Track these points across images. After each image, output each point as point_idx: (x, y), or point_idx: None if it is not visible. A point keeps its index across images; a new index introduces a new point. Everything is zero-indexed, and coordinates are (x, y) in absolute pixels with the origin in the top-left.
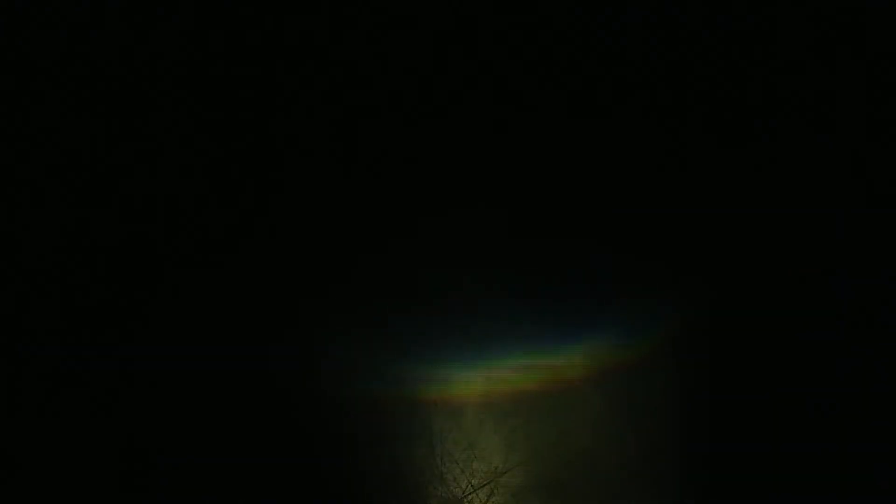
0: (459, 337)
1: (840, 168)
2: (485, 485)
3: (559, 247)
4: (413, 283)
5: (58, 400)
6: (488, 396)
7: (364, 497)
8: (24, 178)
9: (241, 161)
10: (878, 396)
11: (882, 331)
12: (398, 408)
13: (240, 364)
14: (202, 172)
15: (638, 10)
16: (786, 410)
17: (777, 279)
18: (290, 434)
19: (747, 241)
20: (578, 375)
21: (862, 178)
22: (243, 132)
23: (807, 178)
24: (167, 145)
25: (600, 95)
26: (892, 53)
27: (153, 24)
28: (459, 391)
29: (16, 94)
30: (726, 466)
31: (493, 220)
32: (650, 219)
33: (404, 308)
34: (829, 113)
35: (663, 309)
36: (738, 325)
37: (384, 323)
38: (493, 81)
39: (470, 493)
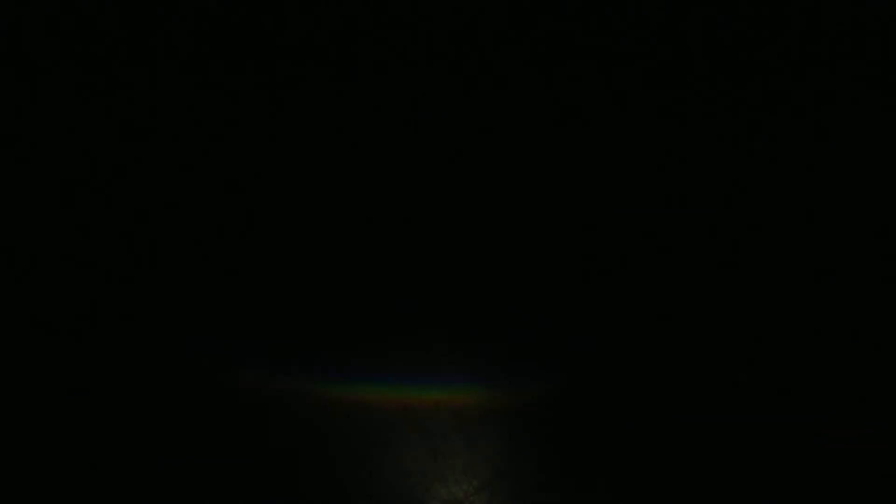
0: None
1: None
2: (485, 487)
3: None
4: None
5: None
6: (490, 400)
7: (365, 498)
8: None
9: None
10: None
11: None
12: (398, 409)
13: (242, 365)
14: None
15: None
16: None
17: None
18: (293, 437)
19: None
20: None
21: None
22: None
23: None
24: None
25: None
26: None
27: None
28: (461, 392)
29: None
30: None
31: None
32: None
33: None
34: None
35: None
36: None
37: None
38: None
39: (472, 495)
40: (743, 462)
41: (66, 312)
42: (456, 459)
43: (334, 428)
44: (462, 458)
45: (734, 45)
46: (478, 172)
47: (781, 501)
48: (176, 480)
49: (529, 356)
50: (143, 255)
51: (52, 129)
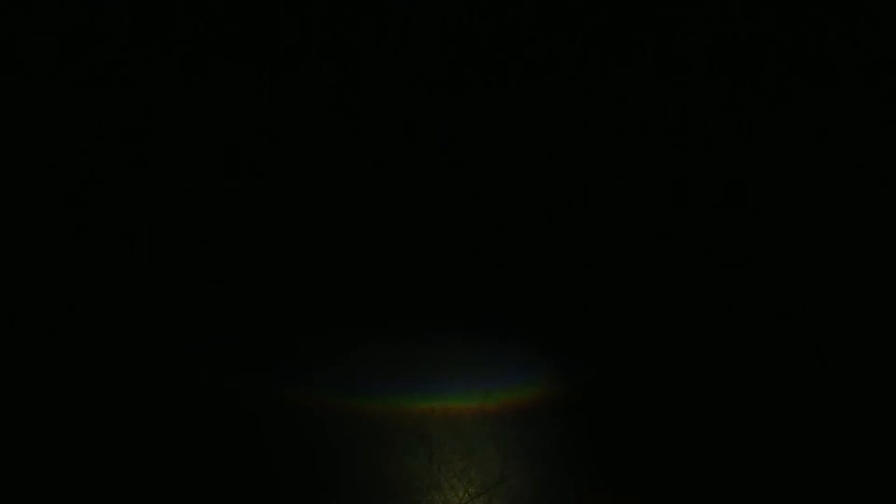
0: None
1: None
2: (482, 493)
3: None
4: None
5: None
6: (486, 406)
7: None
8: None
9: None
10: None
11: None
12: (396, 417)
13: (239, 372)
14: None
15: None
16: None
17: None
18: (290, 443)
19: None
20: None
21: None
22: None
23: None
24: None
25: None
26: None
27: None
28: (458, 400)
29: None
30: None
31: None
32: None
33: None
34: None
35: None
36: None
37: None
38: None
39: (469, 501)
40: (741, 465)
41: (62, 315)
42: (453, 466)
43: (331, 434)
44: (459, 465)
45: (734, 44)
46: (475, 177)
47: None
48: (173, 483)
49: (527, 365)
50: (141, 261)
51: (49, 129)
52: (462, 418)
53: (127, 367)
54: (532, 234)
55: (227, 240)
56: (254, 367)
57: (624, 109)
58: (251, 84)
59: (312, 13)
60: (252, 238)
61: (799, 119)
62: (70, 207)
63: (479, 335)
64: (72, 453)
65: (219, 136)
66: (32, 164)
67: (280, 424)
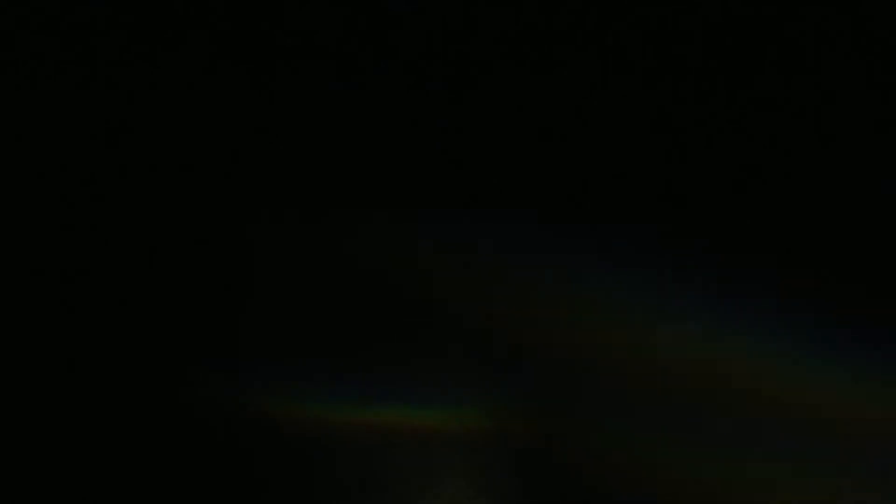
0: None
1: None
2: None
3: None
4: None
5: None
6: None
7: None
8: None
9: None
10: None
11: None
12: (383, 430)
13: (227, 385)
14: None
15: None
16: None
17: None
18: (277, 456)
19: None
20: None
21: None
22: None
23: None
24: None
25: None
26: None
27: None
28: (449, 413)
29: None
30: None
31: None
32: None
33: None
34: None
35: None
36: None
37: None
38: None
39: None
40: (733, 472)
41: (61, 316)
42: (442, 479)
43: (318, 449)
44: (449, 478)
45: (734, 44)
46: (467, 183)
47: None
48: (165, 496)
49: (517, 375)
50: (140, 261)
51: (48, 129)
52: (453, 432)
53: (127, 370)
54: (533, 235)
55: (226, 240)
56: (248, 374)
57: (624, 109)
58: (250, 84)
59: (311, 13)
60: (251, 238)
61: (799, 119)
62: (69, 207)
63: (473, 343)
64: (71, 456)
65: (216, 135)
66: (32, 163)
67: (265, 437)
